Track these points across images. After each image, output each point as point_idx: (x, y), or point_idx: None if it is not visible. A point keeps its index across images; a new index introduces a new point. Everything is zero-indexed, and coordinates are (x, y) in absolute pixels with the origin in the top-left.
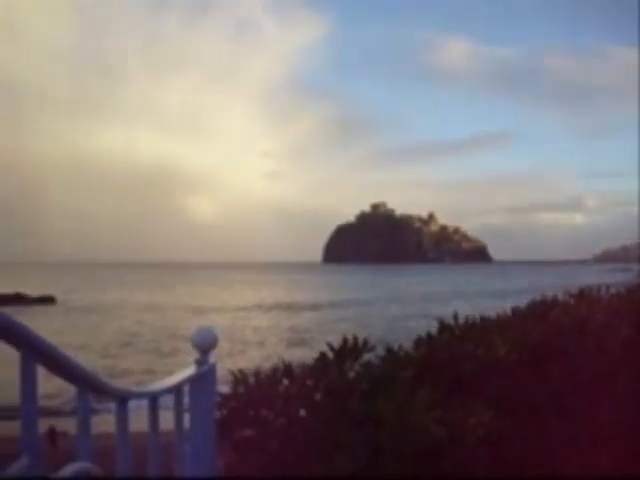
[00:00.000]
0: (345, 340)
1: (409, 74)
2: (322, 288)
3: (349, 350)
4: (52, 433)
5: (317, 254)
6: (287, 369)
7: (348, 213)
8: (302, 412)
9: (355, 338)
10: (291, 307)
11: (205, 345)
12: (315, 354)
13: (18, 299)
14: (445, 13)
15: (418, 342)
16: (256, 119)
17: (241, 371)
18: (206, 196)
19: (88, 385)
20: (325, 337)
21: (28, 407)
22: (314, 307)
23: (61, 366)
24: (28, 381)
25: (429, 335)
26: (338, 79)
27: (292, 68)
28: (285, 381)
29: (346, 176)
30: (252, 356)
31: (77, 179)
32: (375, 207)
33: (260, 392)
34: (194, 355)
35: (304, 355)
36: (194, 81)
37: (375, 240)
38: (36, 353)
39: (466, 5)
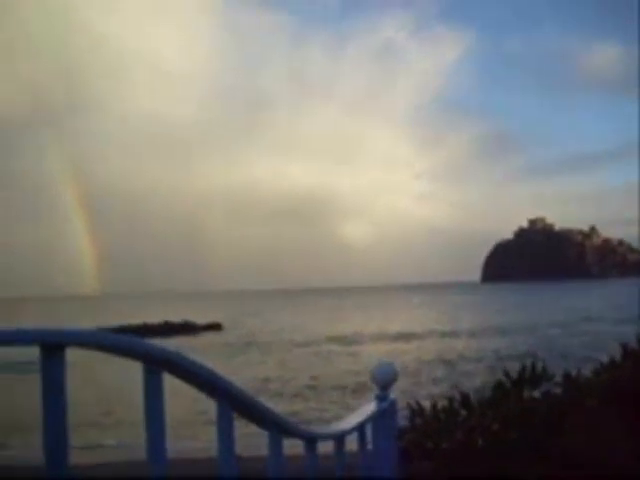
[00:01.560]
0: (523, 367)
1: (557, 84)
2: (487, 310)
3: (527, 378)
4: None
5: (474, 273)
6: (464, 399)
7: (505, 230)
8: (481, 443)
9: (533, 365)
10: (453, 333)
11: (385, 381)
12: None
13: (186, 327)
14: (592, 18)
15: (600, 369)
16: (405, 141)
17: (418, 403)
18: (359, 220)
19: (278, 428)
20: (493, 368)
21: (226, 451)
22: (482, 334)
23: (252, 411)
24: (225, 429)
25: (612, 361)
26: (485, 94)
27: (437, 87)
28: (463, 412)
29: (501, 192)
30: (419, 390)
31: (234, 209)
32: (533, 222)
33: (438, 423)
34: (375, 390)
35: (473, 386)
36: (341, 107)
37: (534, 257)
38: (230, 400)
39: (614, 8)
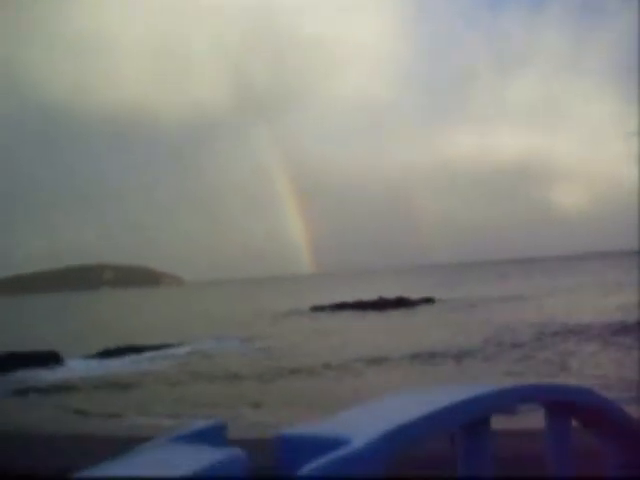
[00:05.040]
0: None
1: None
2: None
3: None
4: None
5: None
6: None
7: None
8: None
9: None
10: None
11: None
12: None
13: (401, 302)
14: None
15: None
16: (615, 99)
17: None
18: (573, 185)
19: None
20: None
21: None
22: None
23: None
24: None
25: None
26: None
27: None
28: None
29: None
30: None
31: (441, 181)
32: None
33: None
34: None
35: None
36: (544, 71)
37: None
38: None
39: None
